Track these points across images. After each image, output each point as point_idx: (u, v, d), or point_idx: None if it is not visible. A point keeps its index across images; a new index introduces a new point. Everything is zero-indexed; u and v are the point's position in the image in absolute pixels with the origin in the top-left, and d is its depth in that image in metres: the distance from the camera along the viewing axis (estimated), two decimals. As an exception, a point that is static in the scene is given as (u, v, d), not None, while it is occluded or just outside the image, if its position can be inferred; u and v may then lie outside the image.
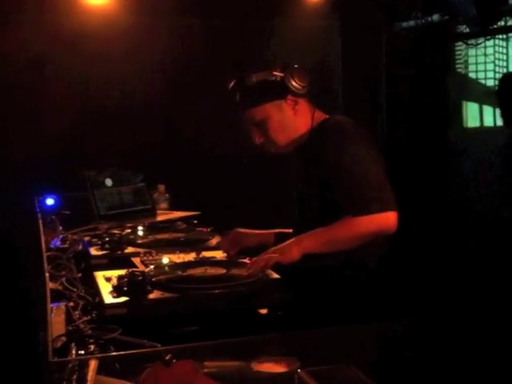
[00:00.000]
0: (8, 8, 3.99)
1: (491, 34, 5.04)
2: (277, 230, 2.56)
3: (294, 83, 2.31)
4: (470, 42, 5.15)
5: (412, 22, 5.01)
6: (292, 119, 2.36)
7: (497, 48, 5.23)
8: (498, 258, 3.62)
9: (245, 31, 4.50)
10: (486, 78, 5.38)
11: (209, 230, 2.76)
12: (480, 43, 5.11)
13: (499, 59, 5.25)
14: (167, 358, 1.34)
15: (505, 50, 5.22)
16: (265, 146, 2.42)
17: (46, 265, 2.12)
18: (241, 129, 2.46)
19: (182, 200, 3.37)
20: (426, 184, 4.65)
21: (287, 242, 2.19)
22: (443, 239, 4.20)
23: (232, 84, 2.38)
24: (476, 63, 5.38)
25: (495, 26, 4.82)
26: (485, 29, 4.82)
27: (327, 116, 2.43)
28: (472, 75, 5.44)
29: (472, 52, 5.36)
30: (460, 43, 5.25)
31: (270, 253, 2.14)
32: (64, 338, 1.52)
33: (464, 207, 4.47)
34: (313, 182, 2.33)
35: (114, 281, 1.86)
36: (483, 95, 5.31)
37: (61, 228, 2.71)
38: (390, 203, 2.20)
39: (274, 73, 2.30)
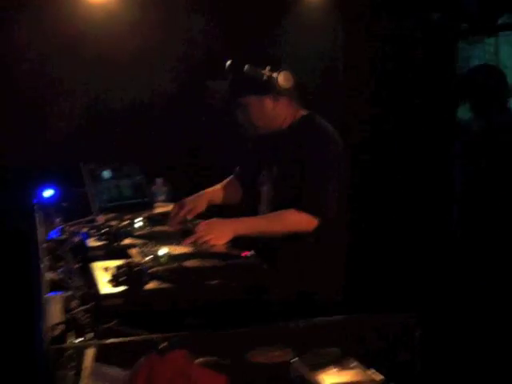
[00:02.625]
0: (9, 5, 3.99)
1: (493, 31, 5.02)
2: (208, 190, 2.87)
3: (278, 85, 2.51)
4: (471, 40, 5.13)
5: (412, 20, 5.00)
6: (271, 113, 2.58)
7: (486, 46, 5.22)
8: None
9: (254, 26, 4.49)
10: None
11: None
12: (482, 41, 5.09)
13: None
14: (162, 346, 1.35)
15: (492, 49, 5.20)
16: (245, 126, 2.65)
17: (43, 256, 2.13)
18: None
19: (179, 193, 3.38)
20: (429, 180, 4.66)
21: (224, 223, 2.41)
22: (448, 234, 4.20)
23: (228, 65, 2.58)
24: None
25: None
26: (487, 26, 4.81)
27: (307, 113, 2.65)
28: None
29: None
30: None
31: (207, 229, 2.34)
32: (61, 327, 1.54)
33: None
34: (286, 168, 2.55)
35: (111, 271, 1.87)
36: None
37: (59, 220, 2.72)
38: (324, 212, 2.42)
39: (263, 72, 2.50)
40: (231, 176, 2.94)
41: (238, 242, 2.33)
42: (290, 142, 2.58)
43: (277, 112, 2.58)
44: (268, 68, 2.50)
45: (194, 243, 2.30)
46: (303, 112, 2.65)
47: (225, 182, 2.93)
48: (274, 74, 2.50)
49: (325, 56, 4.84)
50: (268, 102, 2.56)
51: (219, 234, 2.35)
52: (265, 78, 2.50)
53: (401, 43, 4.90)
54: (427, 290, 3.59)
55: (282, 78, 2.51)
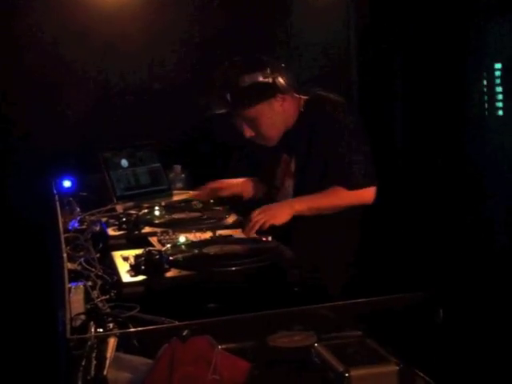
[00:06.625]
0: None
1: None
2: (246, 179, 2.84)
3: (283, 83, 2.48)
4: (493, 17, 5.02)
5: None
6: (281, 115, 2.54)
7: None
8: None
9: (259, 7, 4.45)
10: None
11: (224, 208, 2.77)
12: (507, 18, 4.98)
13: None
14: (184, 333, 1.35)
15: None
16: (255, 139, 2.59)
17: (63, 246, 2.14)
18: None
19: (197, 180, 3.37)
20: (448, 161, 4.61)
21: (280, 204, 2.43)
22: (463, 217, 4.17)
23: (222, 84, 2.50)
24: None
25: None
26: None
27: (308, 96, 2.61)
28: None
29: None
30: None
31: (261, 213, 2.31)
32: (83, 317, 1.54)
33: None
34: (309, 156, 2.52)
35: (132, 260, 1.87)
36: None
37: (78, 210, 2.73)
38: (375, 177, 2.45)
39: (265, 74, 2.45)
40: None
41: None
42: (302, 131, 2.55)
43: (285, 113, 2.54)
44: (268, 69, 2.45)
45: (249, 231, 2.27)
46: (305, 97, 2.61)
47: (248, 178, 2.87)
48: (276, 74, 2.46)
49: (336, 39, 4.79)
50: (277, 106, 2.51)
51: (276, 213, 2.33)
52: (270, 80, 2.45)
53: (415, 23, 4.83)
54: (448, 268, 3.57)
55: (285, 74, 2.48)
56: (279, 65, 2.51)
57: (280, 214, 2.34)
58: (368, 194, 2.44)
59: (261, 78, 2.45)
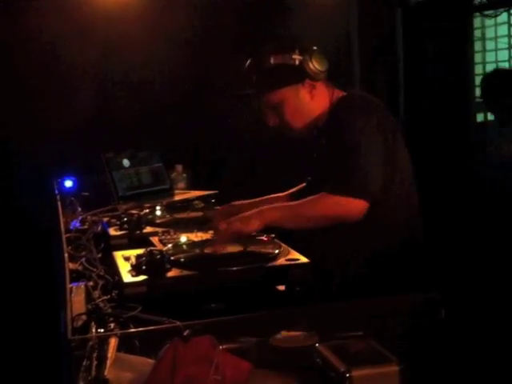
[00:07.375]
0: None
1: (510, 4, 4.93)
2: (271, 196, 2.56)
3: (312, 68, 2.24)
4: (487, 14, 5.04)
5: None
6: (308, 103, 2.31)
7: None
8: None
9: (261, 6, 4.46)
10: (496, 50, 5.25)
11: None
12: (498, 14, 5.00)
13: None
14: (185, 333, 1.35)
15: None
16: (279, 128, 2.37)
17: (64, 245, 2.14)
18: (256, 109, 2.41)
19: (199, 179, 3.38)
20: (450, 164, 4.60)
21: (250, 212, 2.15)
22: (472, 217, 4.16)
23: (248, 64, 2.33)
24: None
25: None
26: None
27: (344, 94, 2.37)
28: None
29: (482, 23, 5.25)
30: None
31: (232, 222, 2.10)
32: (84, 317, 1.54)
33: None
34: (325, 161, 2.30)
35: (133, 260, 1.87)
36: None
37: (80, 209, 2.73)
38: (364, 191, 2.10)
39: (293, 56, 2.24)
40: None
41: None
42: (326, 132, 2.33)
43: (315, 102, 2.31)
44: (297, 51, 2.24)
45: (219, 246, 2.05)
46: (340, 94, 2.37)
47: (295, 189, 2.59)
48: (305, 57, 2.24)
49: (338, 37, 4.79)
50: (304, 93, 2.29)
51: (243, 220, 2.10)
52: (297, 62, 2.23)
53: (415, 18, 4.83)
54: (450, 269, 3.56)
55: (316, 59, 2.24)
56: (312, 48, 2.26)
57: (249, 222, 2.09)
58: (355, 207, 2.09)
59: (287, 61, 2.24)
